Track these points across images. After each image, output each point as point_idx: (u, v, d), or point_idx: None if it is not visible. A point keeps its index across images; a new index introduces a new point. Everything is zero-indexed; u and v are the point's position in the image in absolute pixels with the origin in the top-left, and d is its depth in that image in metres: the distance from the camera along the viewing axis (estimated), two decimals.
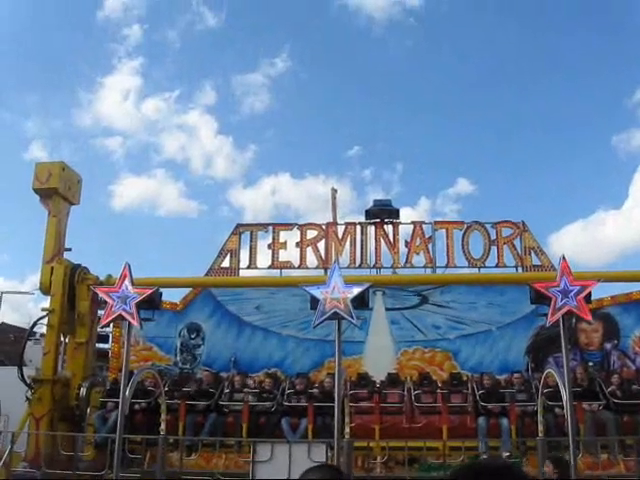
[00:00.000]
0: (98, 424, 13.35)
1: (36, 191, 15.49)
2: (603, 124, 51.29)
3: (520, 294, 12.22)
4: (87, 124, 59.80)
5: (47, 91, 59.73)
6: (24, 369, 14.74)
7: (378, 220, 16.00)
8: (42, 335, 19.01)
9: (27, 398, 14.20)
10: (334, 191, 19.13)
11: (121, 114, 60.11)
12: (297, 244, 15.96)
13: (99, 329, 15.78)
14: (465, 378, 14.39)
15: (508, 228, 15.66)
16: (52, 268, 15.04)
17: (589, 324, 13.73)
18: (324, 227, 16.10)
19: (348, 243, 15.84)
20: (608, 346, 15.78)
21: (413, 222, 16.15)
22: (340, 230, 16.03)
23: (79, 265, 15.53)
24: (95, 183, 59.07)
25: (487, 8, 51.16)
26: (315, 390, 13.61)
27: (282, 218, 58.25)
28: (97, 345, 16.79)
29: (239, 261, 15.94)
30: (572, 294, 9.68)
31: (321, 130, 61.14)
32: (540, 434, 10.72)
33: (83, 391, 14.20)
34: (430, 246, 15.66)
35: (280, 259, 15.89)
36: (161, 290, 11.25)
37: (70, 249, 15.83)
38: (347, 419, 11.60)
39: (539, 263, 15.34)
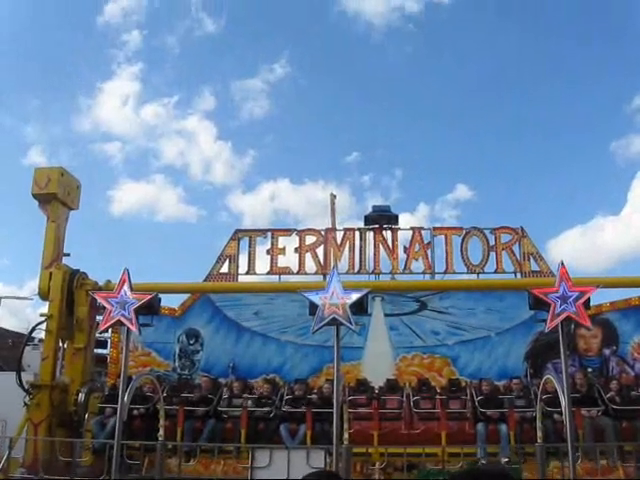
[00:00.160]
0: (96, 430, 13.33)
1: (35, 196, 15.48)
2: (602, 130, 51.41)
3: (519, 300, 12.23)
4: (86, 129, 59.93)
5: (47, 96, 59.86)
6: (22, 374, 14.69)
7: (377, 226, 16.01)
8: (40, 340, 18.98)
9: (25, 403, 14.16)
10: (333, 197, 19.14)
11: (120, 119, 60.26)
12: (296, 250, 15.97)
13: (98, 335, 15.75)
14: (464, 384, 14.39)
15: (507, 234, 15.67)
16: (51, 273, 15.02)
17: (588, 330, 13.76)
18: (323, 233, 16.10)
19: (347, 249, 15.85)
20: (607, 352, 15.79)
21: (412, 228, 16.17)
22: (339, 236, 16.04)
23: (78, 270, 15.52)
24: (94, 188, 59.05)
25: (486, 14, 51.33)
26: (314, 396, 13.59)
27: (281, 224, 58.52)
28: (95, 350, 16.78)
29: (238, 267, 15.94)
30: (571, 300, 9.67)
31: (320, 136, 61.28)
32: (539, 440, 10.71)
33: (81, 397, 14.17)
34: (429, 252, 15.66)
35: (279, 265, 15.89)
36: (160, 296, 11.24)
37: (69, 254, 15.83)
38: (346, 425, 11.57)
39: (538, 269, 15.35)
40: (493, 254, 15.47)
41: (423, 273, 15.67)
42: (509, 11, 52.22)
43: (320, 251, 15.86)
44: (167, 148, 61.54)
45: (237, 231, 16.41)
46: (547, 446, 11.01)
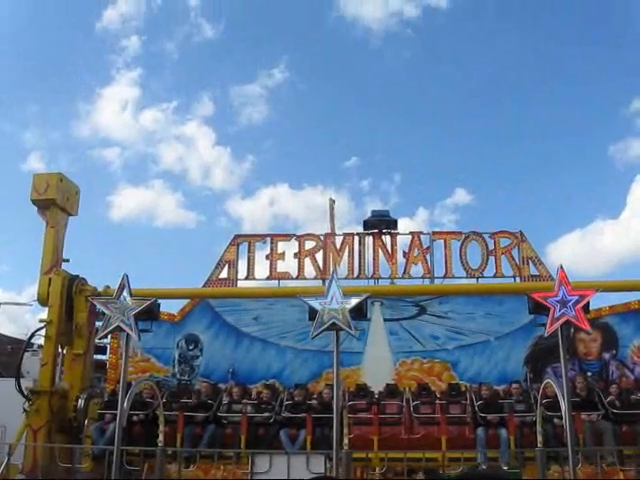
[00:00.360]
0: (96, 436, 13.30)
1: (34, 202, 15.50)
2: (600, 133, 51.47)
3: (518, 304, 12.22)
4: (85, 135, 59.93)
5: (46, 102, 59.88)
6: (21, 380, 14.68)
7: (376, 231, 16.00)
8: (40, 346, 18.98)
9: (24, 410, 14.15)
10: (332, 202, 19.15)
11: (119, 125, 60.29)
12: (295, 255, 15.96)
13: (97, 340, 15.76)
14: (464, 389, 14.38)
15: (506, 238, 15.67)
16: (50, 279, 15.03)
17: (588, 334, 13.76)
18: (322, 238, 16.10)
19: (346, 254, 15.85)
20: (607, 356, 15.78)
21: (411, 232, 16.15)
22: (338, 241, 16.03)
23: (77, 276, 15.53)
24: (93, 194, 58.95)
25: (484, 18, 51.36)
26: (314, 401, 13.58)
27: (280, 229, 58.39)
28: (95, 356, 16.78)
29: (237, 272, 15.93)
30: (570, 304, 9.68)
31: (319, 141, 61.37)
32: (539, 444, 10.71)
33: (81, 403, 14.15)
34: (428, 256, 15.66)
35: (278, 270, 15.88)
36: (159, 301, 11.25)
37: (68, 260, 15.85)
38: (346, 430, 11.57)
39: (537, 273, 15.35)
40: (492, 258, 15.46)
41: (422, 278, 15.66)
42: (507, 15, 52.35)
43: (319, 256, 15.86)
44: (166, 153, 61.58)
45: (236, 236, 16.40)
46: (547, 450, 11.02)
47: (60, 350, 15.48)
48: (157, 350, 16.49)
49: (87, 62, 57.00)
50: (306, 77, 59.23)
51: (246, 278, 15.98)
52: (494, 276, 15.43)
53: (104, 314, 10.65)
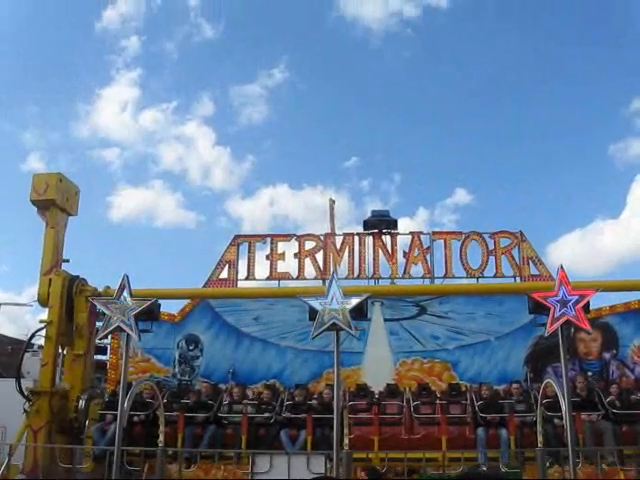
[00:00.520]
0: (97, 436, 13.30)
1: (34, 202, 15.48)
2: (600, 133, 51.48)
3: (518, 304, 12.21)
4: (85, 135, 59.91)
5: (45, 102, 59.84)
6: (22, 381, 14.68)
7: (376, 231, 16.00)
8: (40, 347, 19.00)
9: (25, 410, 14.16)
10: (332, 202, 19.16)
11: (119, 125, 60.26)
12: (295, 255, 15.95)
13: (97, 341, 15.76)
14: (464, 389, 14.38)
15: (506, 238, 15.67)
16: (50, 280, 15.03)
17: (588, 334, 13.77)
18: (322, 238, 16.10)
19: (346, 254, 15.84)
20: (607, 356, 15.78)
21: (411, 232, 16.14)
22: (338, 241, 16.03)
23: (77, 276, 15.53)
24: (93, 194, 58.86)
25: (484, 18, 51.35)
26: (314, 401, 13.58)
27: (280, 229, 58.46)
28: (95, 357, 16.77)
29: (237, 272, 15.92)
30: (571, 304, 9.68)
31: (319, 141, 61.36)
32: (540, 444, 10.71)
33: (82, 403, 14.14)
34: (428, 256, 15.65)
35: (278, 270, 15.87)
36: (159, 301, 11.25)
37: (68, 260, 15.84)
38: (346, 430, 11.58)
39: (537, 273, 15.34)
40: (492, 258, 15.45)
41: (422, 278, 15.65)
42: (507, 15, 52.33)
43: (319, 256, 15.85)
44: (166, 154, 61.57)
45: (236, 236, 16.39)
46: (548, 450, 11.02)
47: (60, 351, 15.48)
48: (157, 350, 16.50)
49: (87, 62, 57.08)
50: (306, 77, 59.28)
51: (246, 278, 15.97)
52: (494, 276, 15.43)
53: (104, 314, 10.65)
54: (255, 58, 57.35)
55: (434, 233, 16.07)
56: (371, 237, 15.95)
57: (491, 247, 15.56)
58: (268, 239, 16.25)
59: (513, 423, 12.63)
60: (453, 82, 53.30)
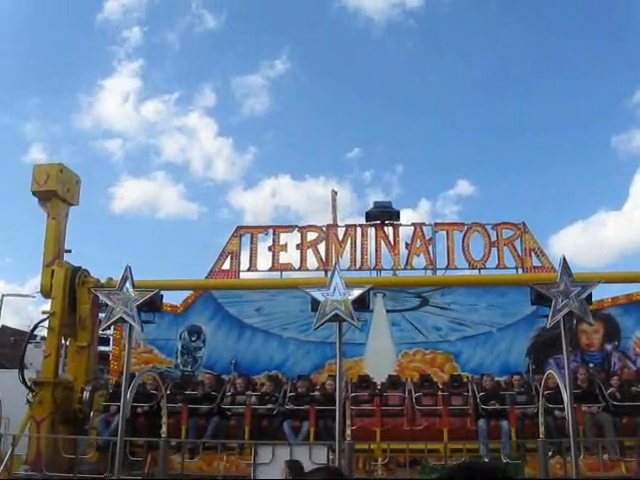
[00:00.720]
0: (101, 427, 13.35)
1: (34, 193, 15.38)
2: (603, 125, 51.43)
3: (521, 295, 12.23)
4: (87, 126, 59.90)
5: (47, 94, 59.86)
6: (25, 372, 14.72)
7: (378, 222, 15.97)
8: (42, 338, 19.01)
9: (28, 401, 14.19)
10: (334, 193, 19.18)
11: (121, 116, 60.27)
12: (297, 246, 15.93)
13: (100, 332, 15.78)
14: (465, 380, 14.39)
15: (508, 229, 15.63)
16: (53, 271, 15.02)
17: (590, 325, 13.75)
18: (324, 229, 16.08)
19: (348, 245, 15.82)
20: (609, 347, 15.80)
21: (413, 224, 16.12)
22: (340, 232, 16.01)
23: (80, 268, 15.51)
24: (95, 185, 59.04)
25: (487, 10, 51.23)
26: (317, 393, 13.61)
27: (282, 220, 58.36)
28: (97, 348, 16.78)
29: (239, 263, 15.89)
30: (573, 295, 9.69)
31: (321, 132, 61.26)
32: (541, 436, 10.73)
33: (86, 395, 14.16)
34: (430, 248, 15.62)
35: (280, 261, 15.85)
36: (162, 292, 11.26)
37: (70, 251, 15.79)
38: (348, 421, 11.60)
39: (540, 264, 15.29)
40: (495, 250, 15.41)
41: (425, 269, 15.62)
42: (510, 7, 52.26)
43: (322, 247, 15.83)
44: (168, 145, 61.60)
45: (238, 228, 16.37)
46: (549, 442, 11.04)
47: (63, 342, 15.50)
48: (160, 341, 16.54)
49: (88, 54, 57.02)
50: (308, 68, 59.17)
51: (248, 269, 15.95)
52: (496, 267, 15.39)
53: (107, 305, 10.68)
54: (257, 49, 57.30)
55: (436, 224, 16.04)
56: (373, 228, 15.93)
57: (493, 238, 15.52)
58: (270, 230, 16.23)
59: (514, 414, 12.66)
60: (455, 73, 53.23)
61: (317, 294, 10.17)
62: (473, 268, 15.49)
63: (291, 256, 15.86)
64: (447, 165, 57.85)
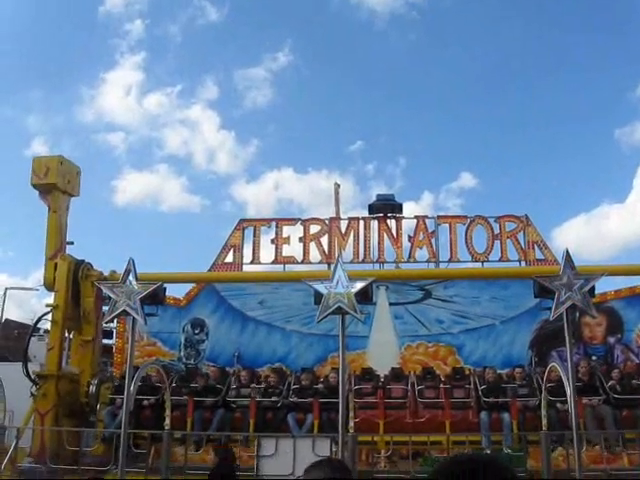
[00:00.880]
0: (107, 419, 13.40)
1: (34, 186, 15.32)
2: (606, 118, 51.33)
3: (523, 288, 12.22)
4: (89, 120, 59.87)
5: (49, 87, 59.81)
6: (28, 365, 14.76)
7: (381, 215, 15.96)
8: (46, 331, 19.06)
9: (32, 394, 14.23)
10: (337, 186, 19.16)
11: (123, 109, 60.28)
12: (300, 239, 15.93)
13: (103, 324, 15.80)
14: (467, 372, 14.41)
15: (511, 222, 15.61)
16: (56, 264, 15.02)
17: (593, 318, 13.75)
18: (327, 222, 16.08)
19: (351, 238, 15.82)
20: (612, 340, 15.79)
21: (416, 216, 16.11)
22: (343, 225, 16.01)
23: (83, 261, 15.51)
24: (97, 179, 59.04)
25: (489, 3, 51.12)
26: (320, 385, 13.63)
27: (285, 213, 58.42)
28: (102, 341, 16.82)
29: (242, 256, 15.90)
30: (576, 288, 9.69)
31: (324, 125, 61.20)
32: (544, 428, 10.75)
33: (92, 388, 14.19)
34: (433, 240, 15.62)
35: (283, 254, 15.85)
36: (165, 285, 11.28)
37: (72, 243, 15.74)
38: (351, 414, 11.63)
39: (542, 257, 15.28)
40: (498, 242, 15.40)
41: (427, 262, 15.62)
42: (512, 1, 51.98)
43: (324, 240, 15.83)
44: (170, 138, 61.56)
45: (241, 221, 16.37)
46: (552, 434, 11.07)
47: (67, 334, 15.53)
48: (163, 334, 16.57)
49: (90, 47, 56.91)
50: (310, 60, 59.13)
51: (251, 262, 15.96)
52: (499, 260, 15.37)
53: (110, 298, 10.69)
54: (259, 41, 57.19)
55: (439, 217, 16.03)
56: (376, 221, 15.92)
57: (496, 231, 15.50)
58: (273, 223, 16.23)
59: (515, 407, 12.68)
60: (458, 66, 53.07)
61: (320, 287, 10.18)
62: (476, 261, 15.49)
63: (294, 249, 15.87)
64: (450, 158, 57.82)
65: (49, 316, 15.10)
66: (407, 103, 58.62)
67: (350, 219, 16.21)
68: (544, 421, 10.78)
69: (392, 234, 15.77)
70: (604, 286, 15.34)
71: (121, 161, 62.07)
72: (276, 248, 15.88)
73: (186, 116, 60.04)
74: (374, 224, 15.91)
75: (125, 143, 62.27)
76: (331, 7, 54.29)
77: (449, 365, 15.47)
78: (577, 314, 13.70)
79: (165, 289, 11.33)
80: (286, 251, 15.88)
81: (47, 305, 15.19)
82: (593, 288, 9.91)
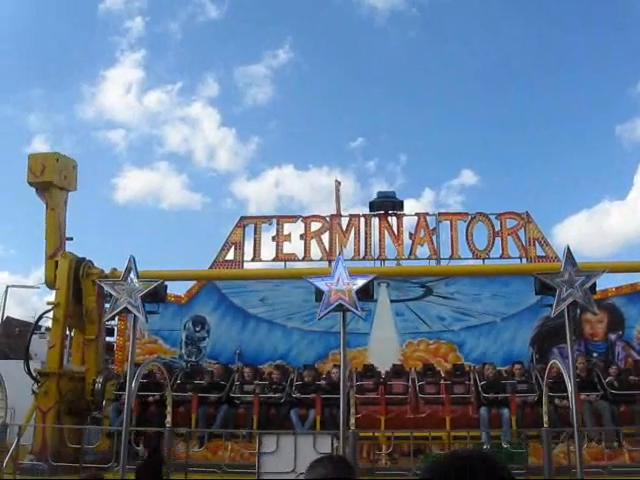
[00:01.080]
0: (113, 415, 13.42)
1: (31, 184, 15.21)
2: (607, 114, 51.16)
3: (524, 285, 12.24)
4: (90, 117, 59.69)
5: (50, 85, 59.65)
6: (30, 362, 14.77)
7: (382, 212, 15.97)
8: (47, 329, 19.06)
9: (33, 391, 14.25)
10: (338, 183, 19.17)
11: (124, 107, 60.05)
12: (301, 236, 15.94)
13: (104, 322, 15.81)
14: (468, 369, 14.42)
15: (512, 219, 15.61)
16: (57, 262, 15.02)
17: (594, 315, 13.75)
18: (328, 219, 16.09)
19: (352, 235, 15.83)
20: (613, 337, 15.80)
21: (417, 214, 16.13)
22: (344, 222, 16.01)
23: (84, 259, 15.50)
24: (98, 176, 58.89)
25: (490, 1, 51.02)
26: (323, 382, 13.65)
27: (286, 210, 58.27)
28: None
29: (243, 254, 15.91)
30: (577, 285, 9.69)
31: (324, 121, 61.00)
32: (545, 424, 10.76)
33: (98, 386, 14.21)
34: (434, 238, 15.62)
35: (284, 251, 15.86)
36: (166, 283, 11.28)
37: (71, 238, 15.67)
38: (353, 410, 11.64)
39: (543, 254, 15.28)
40: (498, 239, 15.41)
41: (428, 259, 15.63)
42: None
43: (325, 237, 15.84)
44: (171, 135, 61.47)
45: (242, 218, 16.37)
46: (553, 431, 11.09)
47: (68, 332, 15.54)
48: (164, 332, 16.59)
49: (91, 44, 56.75)
50: (310, 57, 58.93)
51: (252, 260, 15.97)
52: (500, 257, 15.39)
53: (111, 296, 10.70)
54: (259, 38, 57.02)
55: (440, 214, 16.05)
56: (377, 218, 15.92)
57: (497, 228, 15.51)
58: (274, 220, 16.24)
59: (514, 403, 12.70)
60: (458, 63, 52.93)
61: (321, 284, 10.19)
62: (477, 258, 15.50)
63: (295, 246, 15.88)
64: (451, 155, 57.60)
65: (50, 314, 15.11)
66: (408, 100, 58.49)
67: (351, 216, 16.21)
68: (545, 418, 10.78)
69: (393, 231, 15.79)
70: (605, 283, 15.36)
71: (122, 158, 62.02)
72: (277, 245, 15.89)
73: (186, 113, 59.95)
74: (375, 221, 15.92)
75: (125, 140, 62.19)
76: (331, 4, 54.22)
77: (450, 362, 15.49)
78: (578, 311, 13.71)
79: (166, 287, 11.33)
80: (287, 248, 15.89)
81: (48, 303, 15.19)
82: (594, 285, 9.91)
